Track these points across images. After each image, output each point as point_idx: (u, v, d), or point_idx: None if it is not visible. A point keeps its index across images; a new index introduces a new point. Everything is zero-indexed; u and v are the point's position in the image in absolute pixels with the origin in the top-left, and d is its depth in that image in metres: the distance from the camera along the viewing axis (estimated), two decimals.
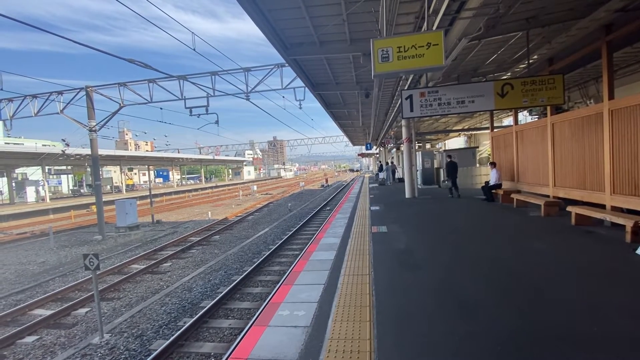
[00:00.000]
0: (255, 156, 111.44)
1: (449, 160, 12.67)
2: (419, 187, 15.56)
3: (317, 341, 2.87)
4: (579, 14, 6.12)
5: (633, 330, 2.68)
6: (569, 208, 6.62)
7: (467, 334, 2.74)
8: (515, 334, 2.71)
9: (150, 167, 49.81)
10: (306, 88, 13.23)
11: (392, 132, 23.23)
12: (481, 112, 15.55)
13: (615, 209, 6.04)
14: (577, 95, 12.40)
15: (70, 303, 6.67)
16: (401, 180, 22.64)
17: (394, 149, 29.96)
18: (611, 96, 6.15)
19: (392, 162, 26.85)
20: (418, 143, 24.88)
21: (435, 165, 18.02)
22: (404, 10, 6.23)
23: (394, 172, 23.93)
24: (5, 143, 34.60)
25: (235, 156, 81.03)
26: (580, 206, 6.54)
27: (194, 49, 9.53)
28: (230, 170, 76.02)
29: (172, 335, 4.89)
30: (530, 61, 8.33)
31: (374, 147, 35.80)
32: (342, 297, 3.72)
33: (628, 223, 5.07)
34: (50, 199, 31.52)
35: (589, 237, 5.59)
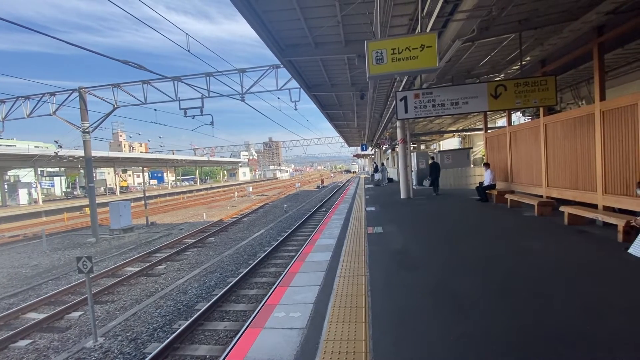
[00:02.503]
0: (251, 157, 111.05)
1: (431, 161, 14.38)
2: (414, 187, 15.63)
3: (313, 342, 2.87)
4: (571, 16, 6.21)
5: (626, 328, 2.72)
6: (561, 208, 6.69)
7: (462, 334, 2.76)
8: (510, 333, 2.74)
9: (145, 168, 49.47)
10: (301, 89, 13.23)
11: (387, 133, 23.33)
12: (475, 113, 15.67)
13: (607, 209, 6.12)
14: (569, 96, 12.56)
15: (64, 306, 6.60)
16: (391, 180, 22.85)
17: (390, 150, 30.07)
18: (602, 97, 6.23)
19: (382, 164, 27.04)
20: (413, 144, 24.99)
21: None
22: (398, 12, 6.28)
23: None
24: None
25: (230, 157, 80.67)
26: (573, 206, 6.61)
27: (188, 50, 9.48)
28: (225, 171, 75.73)
29: (167, 338, 4.85)
30: (523, 63, 8.42)
31: (370, 148, 35.93)
32: (338, 299, 3.72)
33: (620, 222, 5.14)
34: (43, 201, 31.13)
35: (581, 237, 5.65)
